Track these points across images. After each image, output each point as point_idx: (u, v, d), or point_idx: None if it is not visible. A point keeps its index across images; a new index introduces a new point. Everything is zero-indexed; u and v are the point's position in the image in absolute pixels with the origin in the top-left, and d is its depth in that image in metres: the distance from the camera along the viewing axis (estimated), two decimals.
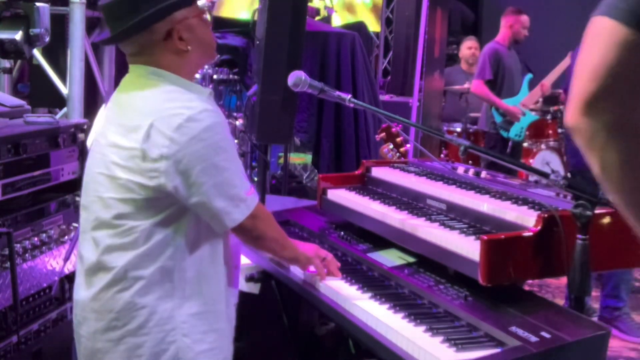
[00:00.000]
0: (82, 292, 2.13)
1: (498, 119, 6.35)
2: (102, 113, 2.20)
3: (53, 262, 2.96)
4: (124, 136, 2.01)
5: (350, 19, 8.70)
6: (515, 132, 6.31)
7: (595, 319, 3.35)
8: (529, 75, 6.46)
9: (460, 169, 2.79)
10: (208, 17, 2.16)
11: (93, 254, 2.07)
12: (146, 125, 1.96)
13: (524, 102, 6.30)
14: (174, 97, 2.02)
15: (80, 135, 3.17)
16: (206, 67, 5.54)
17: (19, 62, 3.99)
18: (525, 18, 6.43)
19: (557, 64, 6.48)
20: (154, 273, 2.02)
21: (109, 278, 2.03)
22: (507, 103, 6.30)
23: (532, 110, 6.42)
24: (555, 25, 8.75)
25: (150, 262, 2.01)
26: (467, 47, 7.68)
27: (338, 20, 8.27)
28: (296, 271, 2.50)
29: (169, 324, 2.03)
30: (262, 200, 4.57)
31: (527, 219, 2.18)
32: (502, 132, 6.35)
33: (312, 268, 2.43)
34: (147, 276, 2.02)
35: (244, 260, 2.86)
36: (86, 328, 2.10)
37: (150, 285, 2.02)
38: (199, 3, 2.11)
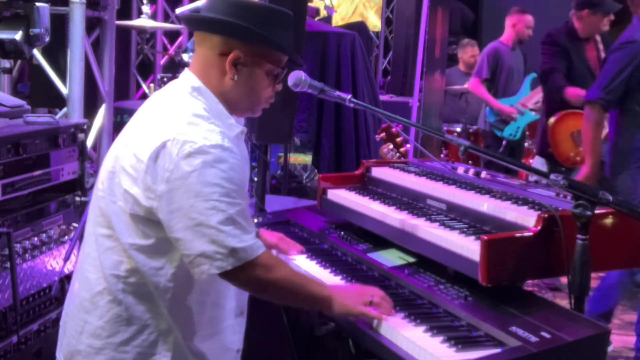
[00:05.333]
0: (78, 285, 2.09)
1: (491, 118, 6.35)
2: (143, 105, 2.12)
3: (53, 262, 2.96)
4: (139, 143, 1.95)
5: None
6: (510, 131, 6.29)
7: None
8: (532, 75, 6.42)
9: (460, 169, 2.79)
10: (277, 84, 2.10)
11: (94, 249, 2.04)
12: (159, 142, 1.90)
13: (523, 102, 6.29)
14: (197, 122, 1.94)
15: (80, 135, 3.17)
16: None
17: (19, 62, 3.99)
18: (529, 17, 6.42)
19: None
20: (144, 295, 1.99)
21: (105, 285, 2.00)
22: (504, 102, 6.29)
23: (532, 110, 6.41)
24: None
25: (141, 281, 1.98)
26: (470, 55, 7.66)
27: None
28: None
29: (152, 349, 2.00)
30: (262, 200, 4.57)
31: (527, 219, 2.18)
32: (495, 131, 6.35)
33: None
34: (138, 295, 1.99)
35: None
36: (73, 325, 2.07)
37: (140, 304, 1.99)
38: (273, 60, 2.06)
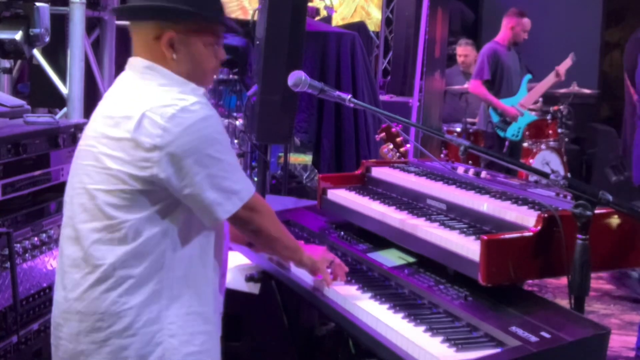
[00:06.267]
0: (63, 292, 2.08)
1: (495, 118, 6.39)
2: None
3: (53, 262, 2.96)
4: (113, 127, 1.99)
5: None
6: (512, 132, 6.34)
7: None
8: (528, 76, 6.48)
9: (460, 169, 2.79)
10: (220, 50, 2.14)
11: (77, 249, 2.04)
12: (138, 114, 1.95)
13: (522, 102, 6.33)
14: (167, 89, 2.02)
15: (80, 135, 3.16)
16: None
17: (19, 62, 3.99)
18: (527, 21, 6.45)
19: (555, 65, 6.49)
20: (143, 272, 1.99)
21: (95, 276, 2.00)
22: (505, 103, 6.33)
23: (531, 110, 6.44)
24: (554, 27, 8.77)
25: (140, 260, 1.98)
26: (458, 54, 7.73)
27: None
28: (296, 272, 2.50)
29: (156, 324, 2.00)
30: None
31: (527, 219, 2.18)
32: (499, 132, 6.38)
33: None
34: (136, 275, 1.99)
35: (244, 260, 2.86)
36: (68, 330, 2.06)
37: (139, 284, 1.99)
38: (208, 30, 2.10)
